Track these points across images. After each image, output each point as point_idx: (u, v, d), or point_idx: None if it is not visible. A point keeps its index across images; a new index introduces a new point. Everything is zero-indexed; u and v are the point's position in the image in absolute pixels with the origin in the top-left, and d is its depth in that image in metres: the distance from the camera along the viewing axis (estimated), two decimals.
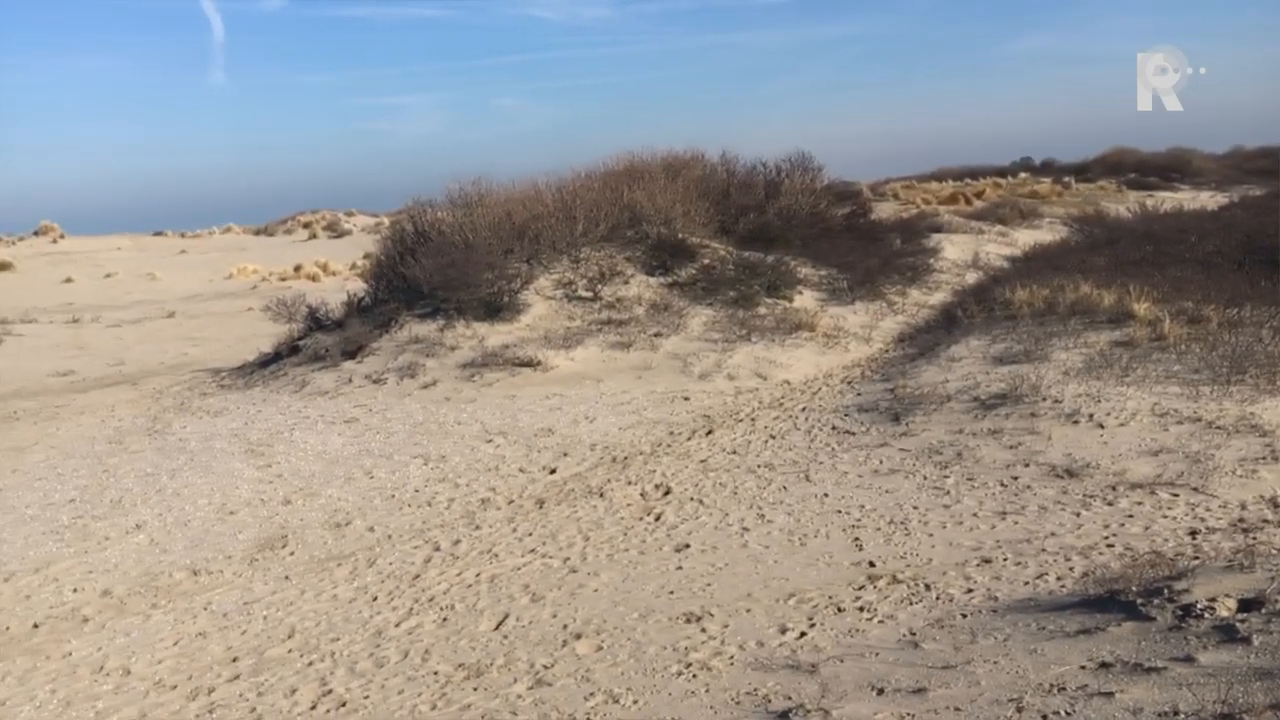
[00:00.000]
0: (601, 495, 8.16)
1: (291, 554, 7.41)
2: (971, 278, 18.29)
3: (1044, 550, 6.23)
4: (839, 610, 5.64)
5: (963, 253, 20.96)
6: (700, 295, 14.87)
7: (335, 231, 47.15)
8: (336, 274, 32.35)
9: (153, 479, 9.47)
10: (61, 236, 47.44)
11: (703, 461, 8.92)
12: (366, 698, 5.10)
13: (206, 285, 33.86)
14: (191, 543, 7.77)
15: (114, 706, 5.28)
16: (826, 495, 7.78)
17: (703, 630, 5.54)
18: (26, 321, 25.94)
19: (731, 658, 5.14)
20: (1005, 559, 6.15)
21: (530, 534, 7.39)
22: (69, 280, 35.52)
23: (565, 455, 9.40)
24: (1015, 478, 7.68)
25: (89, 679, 5.65)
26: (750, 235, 17.31)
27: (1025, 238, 24.25)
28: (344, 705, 5.04)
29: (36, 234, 47.80)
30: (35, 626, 6.48)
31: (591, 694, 4.90)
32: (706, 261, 15.93)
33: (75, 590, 7.02)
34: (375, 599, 6.43)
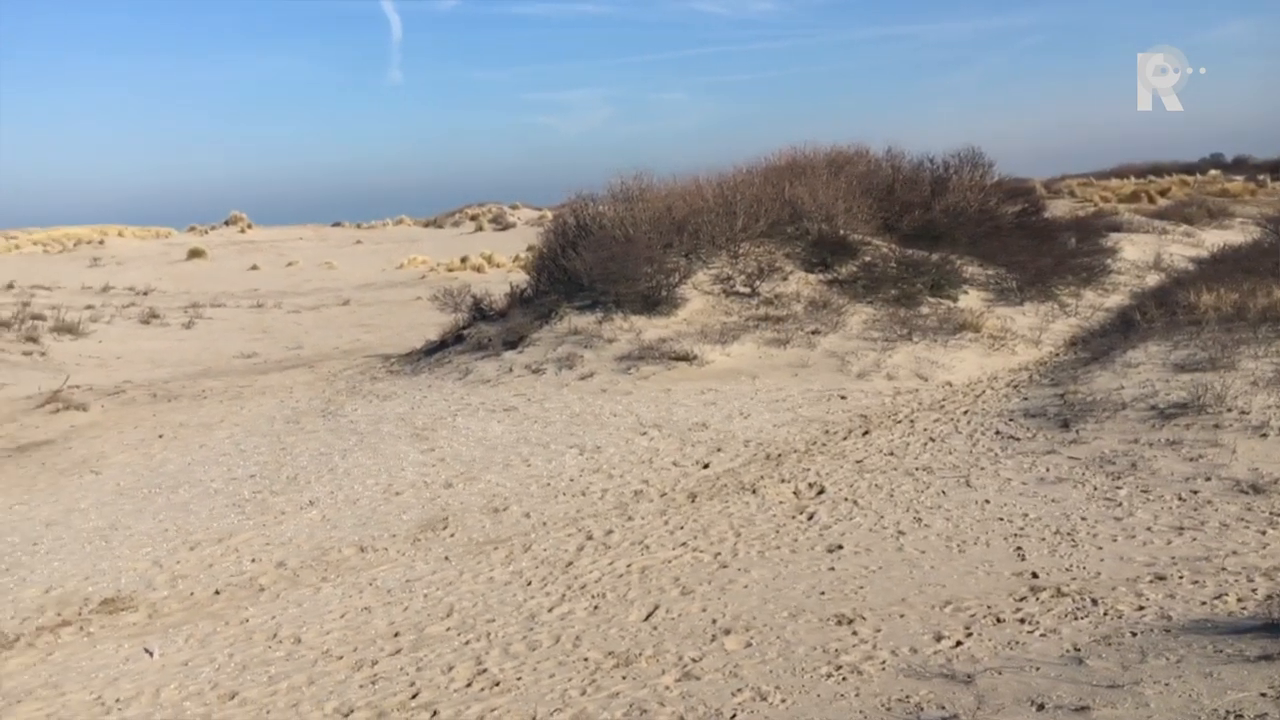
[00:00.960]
0: (754, 492, 8.12)
1: (451, 535, 7.66)
2: (1152, 280, 17.37)
3: (1224, 569, 5.87)
4: (998, 621, 5.45)
5: (1143, 253, 19.93)
6: (860, 293, 14.61)
7: (500, 224, 48.38)
8: (500, 266, 33.22)
9: (325, 458, 9.94)
10: (249, 226, 50.32)
11: (858, 462, 8.77)
12: (519, 679, 5.22)
13: (379, 274, 35.30)
14: (359, 520, 8.13)
15: (285, 672, 5.58)
16: (988, 502, 7.53)
17: (854, 633, 5.44)
18: (216, 306, 27.63)
19: (883, 663, 5.04)
20: (1181, 576, 5.82)
21: (682, 527, 7.42)
22: (255, 268, 37.65)
23: (719, 450, 9.40)
24: (1195, 491, 7.25)
25: (263, 645, 5.98)
26: (914, 233, 16.89)
27: (1213, 239, 22.89)
28: (497, 685, 5.18)
29: (227, 224, 50.86)
30: (216, 593, 6.91)
31: (739, 690, 4.88)
32: (868, 259, 15.63)
33: (253, 560, 7.44)
34: (529, 583, 6.58)
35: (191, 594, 6.91)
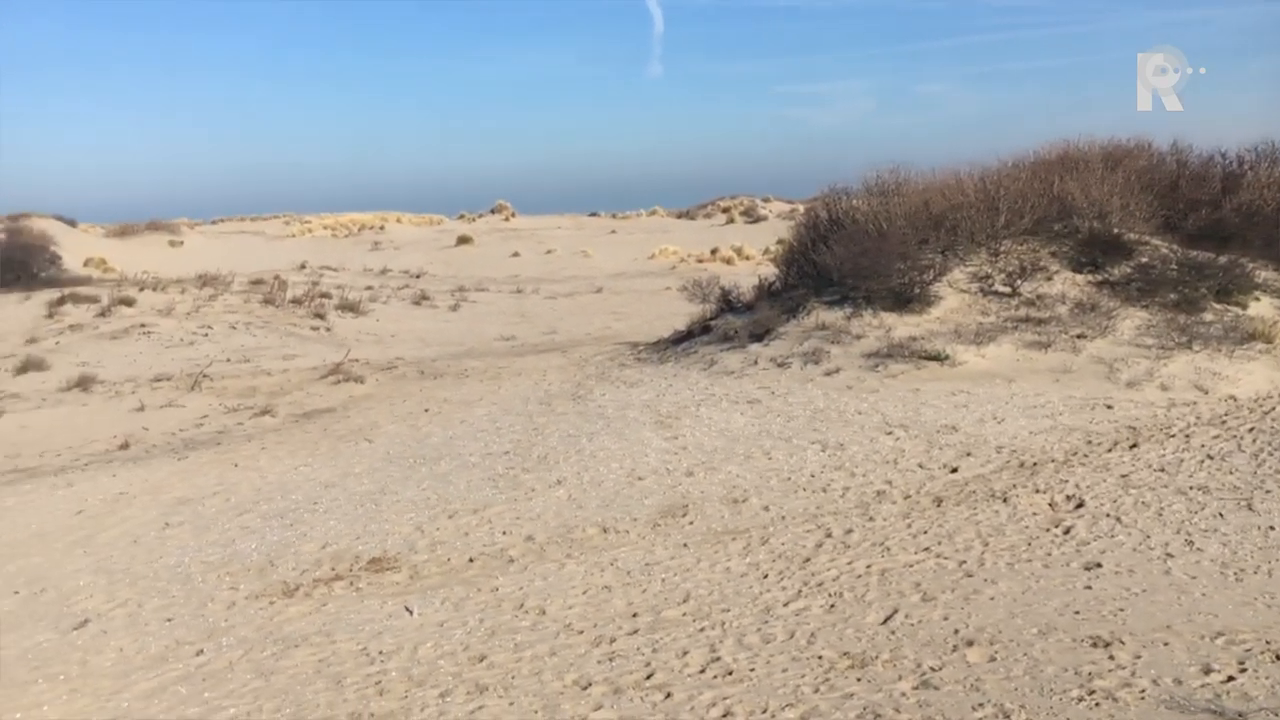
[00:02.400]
0: (1005, 500, 7.75)
1: (691, 523, 7.76)
2: None
3: None
4: (1277, 658, 4.96)
5: None
6: (1134, 296, 13.61)
7: (751, 217, 48.42)
8: (750, 258, 33.26)
9: (574, 440, 10.30)
10: (513, 215, 52.73)
11: (1124, 476, 8.20)
12: (752, 670, 5.23)
13: (631, 264, 36.15)
14: (603, 502, 8.37)
15: (529, 641, 5.83)
16: (1273, 528, 6.86)
17: (1110, 657, 5.10)
18: (480, 290, 29.17)
19: (1143, 691, 4.70)
20: None
21: (925, 532, 7.19)
22: (516, 255, 39.44)
23: (968, 455, 9.03)
24: None
25: (511, 613, 6.28)
26: (1199, 233, 15.53)
27: None
28: (730, 674, 5.21)
29: (493, 212, 53.52)
30: (470, 561, 7.31)
31: (980, 704, 4.69)
32: (1144, 259, 14.53)
33: (504, 533, 7.82)
34: (766, 576, 6.57)
35: (448, 560, 7.35)
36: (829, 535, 7.26)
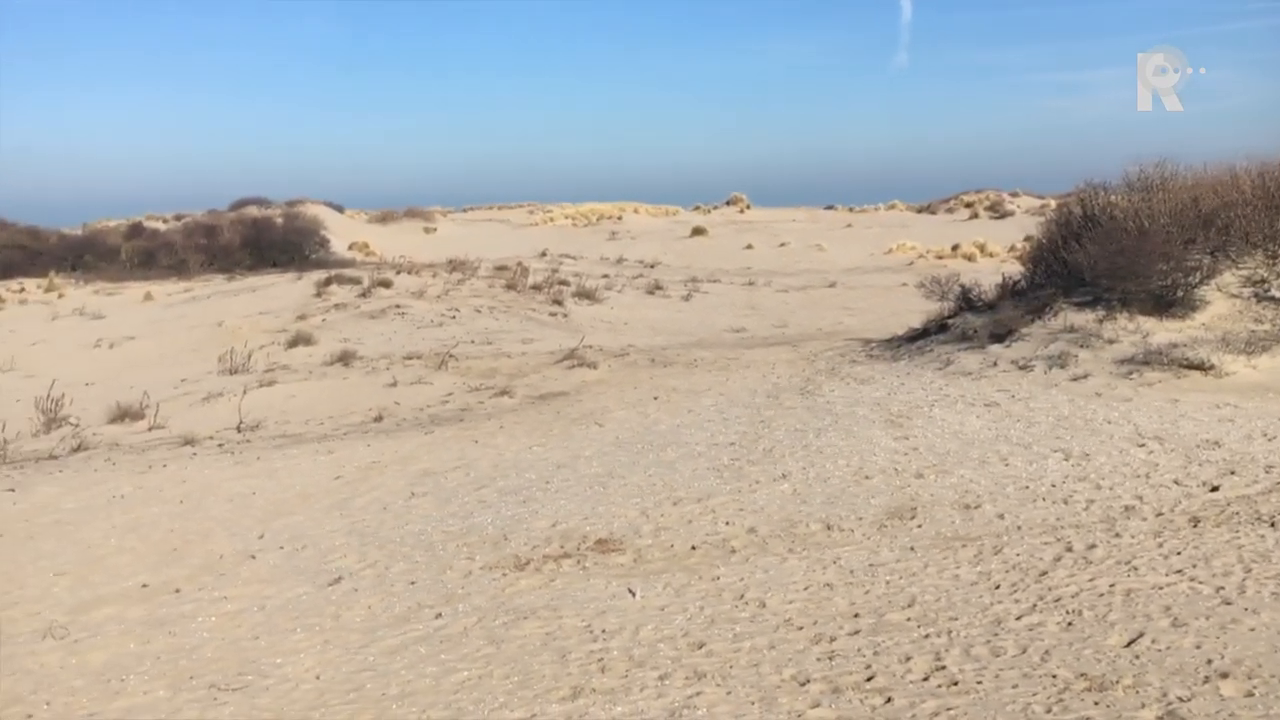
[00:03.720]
0: (1272, 525, 7.09)
1: (919, 526, 7.53)
2: None
3: None
4: None
5: None
6: None
7: (997, 212, 46.45)
8: (993, 255, 31.92)
9: (800, 435, 10.22)
10: (748, 207, 52.85)
11: None
12: (979, 683, 5.03)
13: (866, 259, 35.44)
14: (828, 499, 8.26)
15: (749, 633, 5.84)
16: None
17: None
18: (712, 281, 29.38)
19: None
20: None
21: (1178, 553, 6.67)
22: (749, 247, 39.47)
23: (1232, 473, 8.32)
24: None
25: (730, 603, 6.31)
26: None
27: None
28: (955, 684, 5.03)
29: (728, 204, 53.83)
30: (693, 548, 7.39)
31: None
32: None
33: (727, 523, 7.85)
34: (997, 587, 6.30)
35: (671, 546, 7.46)
36: (1069, 549, 6.87)
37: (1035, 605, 5.99)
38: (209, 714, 5.29)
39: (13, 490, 9.63)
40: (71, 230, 42.35)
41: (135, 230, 42.05)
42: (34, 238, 37.87)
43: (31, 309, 25.51)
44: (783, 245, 39.69)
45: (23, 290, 28.51)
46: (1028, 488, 8.24)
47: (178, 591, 7.05)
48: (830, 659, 5.43)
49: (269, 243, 37.59)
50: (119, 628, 6.49)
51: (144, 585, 7.19)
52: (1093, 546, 6.88)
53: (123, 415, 13.02)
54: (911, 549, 7.07)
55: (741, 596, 6.41)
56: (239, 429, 12.08)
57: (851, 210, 53.45)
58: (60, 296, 27.29)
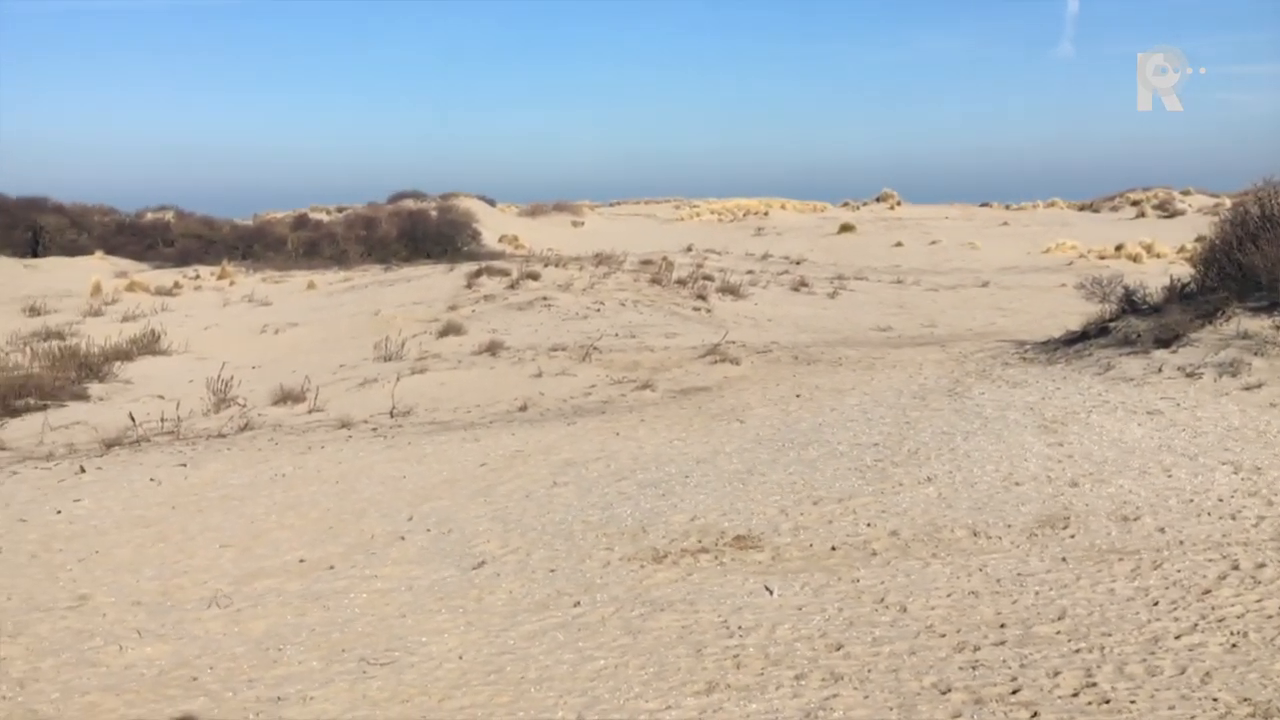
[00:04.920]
0: None
1: (1071, 537, 7.24)
2: None
3: None
4: None
5: None
6: None
7: (1166, 211, 44.24)
8: (1161, 256, 30.46)
9: (947, 438, 9.95)
10: (898, 204, 51.78)
11: None
12: (1133, 703, 4.80)
13: (1023, 258, 34.28)
14: (975, 504, 8.02)
15: (888, 637, 5.73)
16: None
17: None
18: (859, 279, 28.92)
19: None
20: None
21: None
22: (899, 244, 38.69)
23: None
24: None
25: (870, 606, 6.20)
26: None
27: None
28: (1107, 703, 4.81)
29: (878, 200, 52.86)
30: (832, 549, 7.29)
31: None
32: None
33: (868, 525, 7.71)
34: (1156, 604, 6.00)
35: (810, 545, 7.37)
36: (1235, 567, 6.48)
37: (1196, 625, 5.68)
38: (358, 686, 5.51)
39: (185, 465, 10.23)
40: (243, 221, 44.77)
41: (301, 221, 44.18)
42: (209, 228, 40.22)
43: (205, 295, 27.04)
44: (934, 243, 38.72)
45: (198, 277, 30.23)
46: (1192, 501, 7.82)
47: (332, 568, 7.37)
48: (973, 669, 5.27)
49: (424, 235, 38.93)
50: (278, 599, 6.82)
51: (301, 560, 7.54)
52: (1262, 565, 6.48)
53: (285, 398, 13.67)
54: (1063, 560, 6.81)
55: (882, 600, 6.29)
56: (392, 414, 12.53)
57: (1008, 208, 51.75)
58: (231, 284, 28.83)
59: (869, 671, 5.31)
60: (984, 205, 52.83)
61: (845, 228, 42.77)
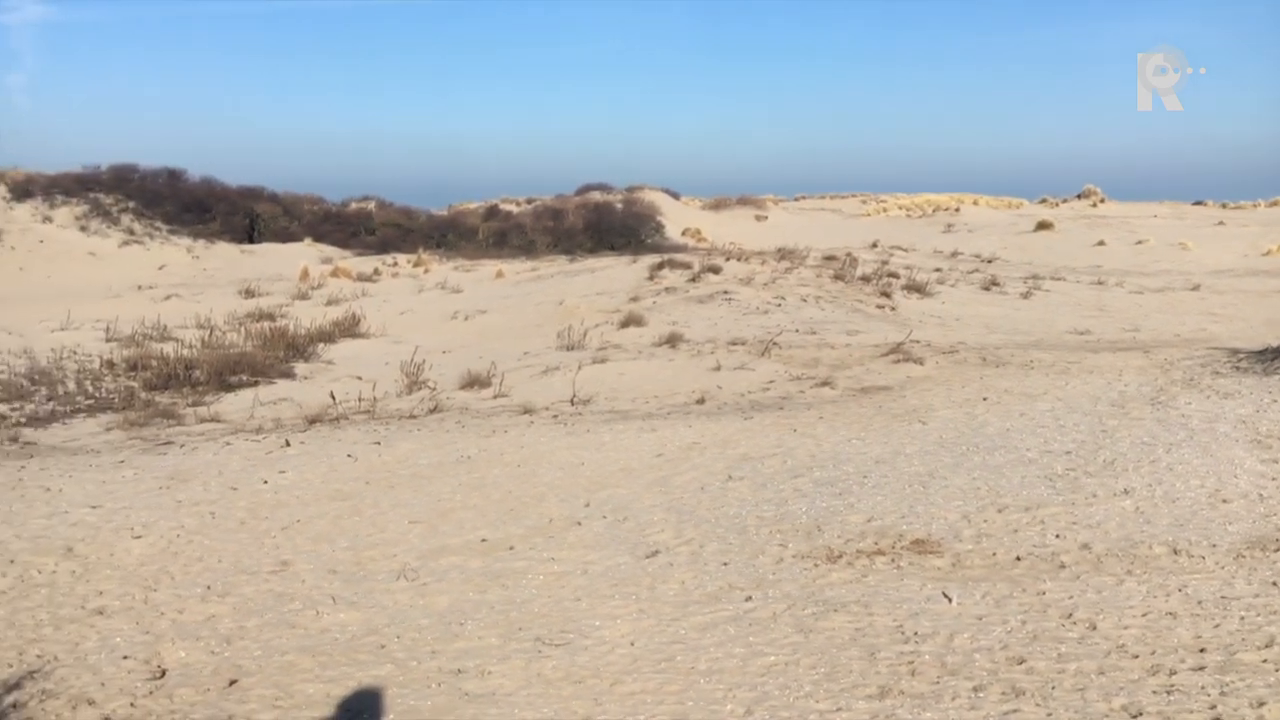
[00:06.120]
0: None
1: None
2: None
3: None
4: None
5: None
6: None
7: None
8: None
9: (1148, 449, 9.40)
10: (1101, 201, 49.27)
11: None
12: None
13: (1240, 260, 32.05)
14: (1176, 521, 7.55)
15: (1075, 655, 5.46)
16: None
17: None
18: (1055, 279, 27.67)
19: None
20: None
21: None
22: (1100, 244, 36.80)
23: None
24: None
25: (1056, 621, 5.92)
26: None
27: None
28: None
29: (1079, 197, 50.42)
30: (1017, 559, 7.00)
31: None
32: None
33: (1057, 536, 7.37)
34: None
35: (994, 554, 7.10)
36: None
37: None
38: (534, 665, 5.67)
39: (378, 444, 10.75)
40: (439, 211, 46.68)
41: (491, 212, 45.72)
42: (407, 218, 42.13)
43: (402, 282, 28.33)
44: (1140, 243, 36.60)
45: (395, 265, 31.71)
46: None
47: (512, 548, 7.60)
48: (1168, 693, 4.96)
49: (608, 227, 39.62)
50: (461, 576, 7.08)
51: (483, 540, 7.80)
52: None
53: (473, 382, 14.17)
54: (1274, 584, 6.32)
55: (1069, 615, 6.00)
56: (572, 402, 12.80)
57: (1224, 206, 48.41)
58: (426, 271, 30.11)
59: (1052, 689, 5.07)
60: (1197, 204, 49.62)
61: (1042, 225, 40.95)
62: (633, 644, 5.89)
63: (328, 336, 19.10)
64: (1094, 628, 5.81)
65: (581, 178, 57.88)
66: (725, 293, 21.83)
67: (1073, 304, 23.59)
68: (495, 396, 13.53)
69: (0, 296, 25.01)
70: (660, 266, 25.60)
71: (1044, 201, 50.63)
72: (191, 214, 36.14)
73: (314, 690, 5.43)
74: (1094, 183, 50.80)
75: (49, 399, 13.76)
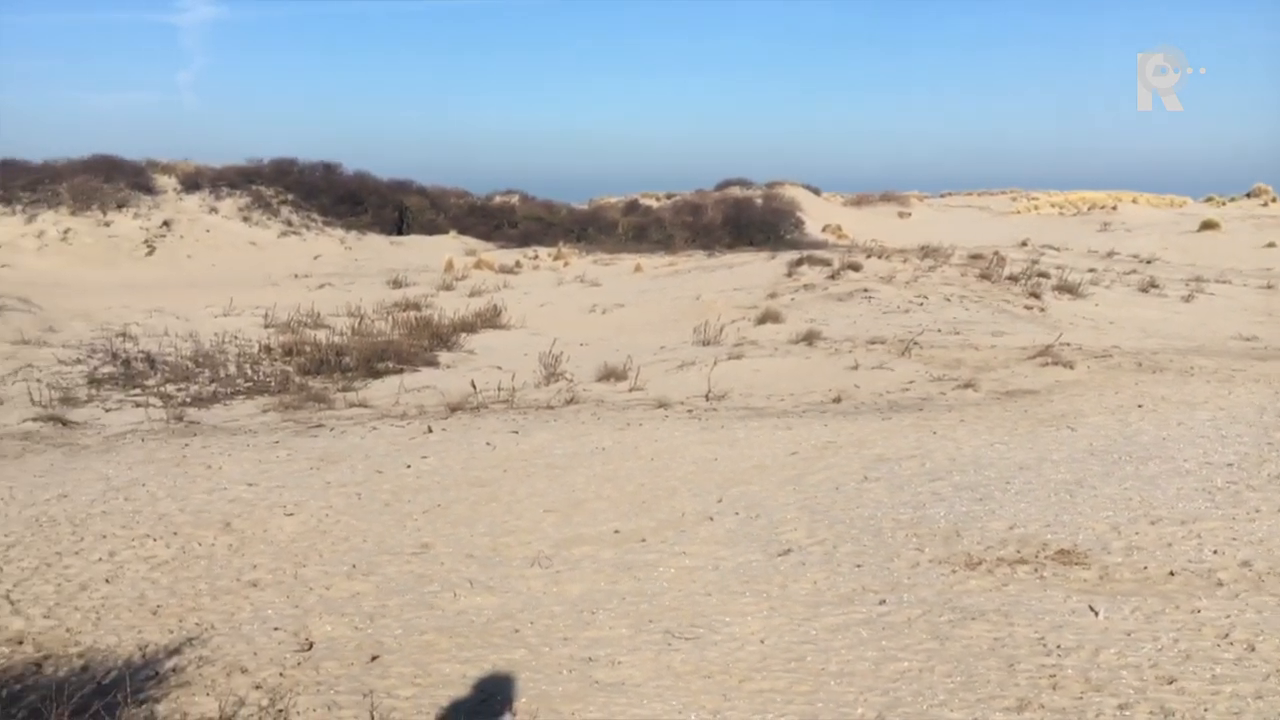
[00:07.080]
0: None
1: None
2: None
3: None
4: None
5: None
6: None
7: None
8: None
9: None
10: (1272, 200, 46.41)
11: None
12: None
13: None
14: None
15: (1230, 676, 5.17)
16: None
17: None
18: (1220, 282, 26.22)
19: None
20: None
21: None
22: (1271, 245, 34.73)
23: None
24: None
25: (1211, 640, 5.62)
26: None
27: None
28: None
29: (1248, 196, 47.63)
30: (1170, 574, 6.66)
31: None
32: None
33: (1215, 552, 6.99)
34: None
35: (1145, 568, 6.79)
36: None
37: None
38: (663, 657, 5.69)
39: (516, 433, 10.97)
40: (579, 205, 47.30)
41: (631, 207, 46.10)
42: (549, 211, 42.85)
43: (542, 274, 28.82)
44: None
45: (536, 258, 32.30)
46: None
47: (644, 541, 7.64)
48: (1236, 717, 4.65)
49: (747, 222, 39.45)
50: (593, 565, 7.17)
51: (616, 531, 7.87)
52: None
53: (609, 375, 14.32)
54: None
55: (1226, 635, 5.68)
56: (707, 397, 12.79)
57: None
58: (565, 265, 30.57)
59: (1205, 711, 4.82)
60: None
61: (1207, 225, 38.85)
62: (763, 641, 5.86)
63: (470, 327, 19.62)
64: (1252, 649, 5.49)
65: (722, 173, 57.73)
66: (865, 290, 21.45)
67: (1239, 308, 22.30)
68: (631, 390, 13.63)
69: (169, 283, 26.56)
70: (799, 263, 25.33)
71: (1210, 200, 48.07)
72: (345, 206, 37.61)
73: (450, 670, 5.59)
74: (1266, 181, 47.97)
75: (211, 381, 14.53)
